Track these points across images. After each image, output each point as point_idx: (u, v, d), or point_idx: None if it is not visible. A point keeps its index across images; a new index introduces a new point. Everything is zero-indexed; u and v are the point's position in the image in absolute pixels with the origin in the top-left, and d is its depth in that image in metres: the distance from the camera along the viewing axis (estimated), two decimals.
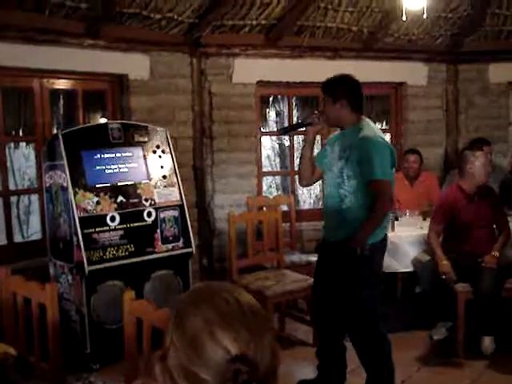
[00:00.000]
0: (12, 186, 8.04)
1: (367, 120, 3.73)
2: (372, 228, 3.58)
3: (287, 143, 9.06)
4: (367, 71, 6.08)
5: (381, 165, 3.51)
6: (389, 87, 6.72)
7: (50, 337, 2.79)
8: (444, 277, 4.46)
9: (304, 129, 3.93)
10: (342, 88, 3.68)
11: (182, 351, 1.18)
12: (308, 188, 10.70)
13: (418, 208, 5.54)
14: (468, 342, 4.54)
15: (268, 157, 10.27)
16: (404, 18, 4.78)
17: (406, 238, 4.98)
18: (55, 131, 5.37)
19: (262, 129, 6.62)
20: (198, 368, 1.15)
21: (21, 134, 5.65)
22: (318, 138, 5.40)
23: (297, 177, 4.81)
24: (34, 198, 6.83)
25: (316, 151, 4.22)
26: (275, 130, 8.66)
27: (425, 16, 4.85)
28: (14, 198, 8.35)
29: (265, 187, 7.16)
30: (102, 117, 5.92)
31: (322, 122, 3.79)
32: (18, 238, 8.14)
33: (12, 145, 6.96)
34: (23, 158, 10.14)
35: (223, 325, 1.16)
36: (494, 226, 4.76)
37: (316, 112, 3.91)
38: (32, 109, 5.15)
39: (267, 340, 1.20)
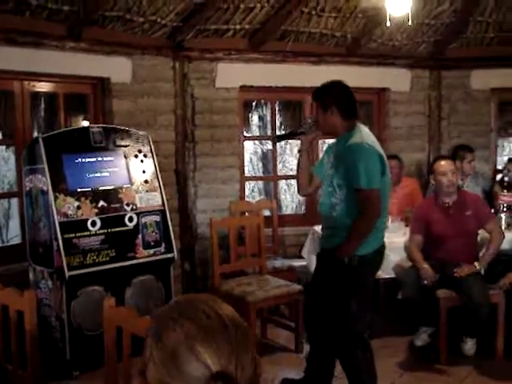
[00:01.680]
0: None
1: (360, 126, 3.64)
2: (357, 239, 3.52)
3: (269, 148, 9.06)
4: (351, 77, 5.99)
5: (365, 172, 3.42)
6: (372, 93, 6.73)
7: (27, 345, 2.74)
8: (426, 282, 4.45)
9: (297, 138, 3.91)
10: (331, 95, 3.62)
11: (162, 366, 1.14)
12: (290, 193, 10.71)
13: (401, 214, 5.53)
14: (450, 348, 4.55)
15: (251, 161, 10.25)
16: (388, 24, 4.79)
17: (389, 245, 4.94)
18: (36, 134, 5.32)
19: (245, 133, 6.59)
20: (177, 383, 1.12)
21: (0, 137, 5.58)
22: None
23: (281, 181, 4.79)
24: (14, 201, 6.76)
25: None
26: (258, 134, 8.64)
27: (409, 22, 4.85)
28: None
29: (247, 192, 7.13)
30: (83, 120, 5.87)
31: (314, 130, 3.76)
32: None
33: None
34: (3, 162, 10.03)
35: (203, 340, 1.13)
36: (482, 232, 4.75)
37: (309, 121, 3.84)
38: (12, 112, 5.08)
39: (249, 355, 1.17)
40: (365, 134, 3.61)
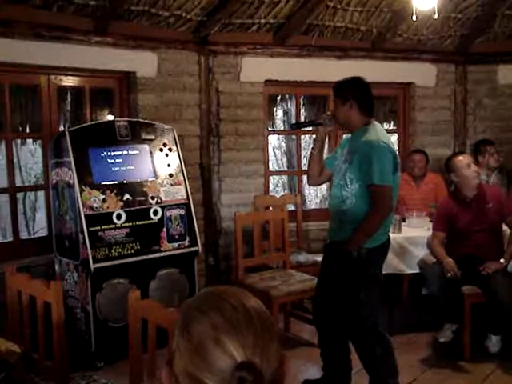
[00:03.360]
0: (18, 183, 8.06)
1: (375, 123, 3.71)
2: (366, 233, 3.58)
3: (294, 142, 9.05)
4: (376, 71, 6.07)
5: (379, 169, 3.49)
6: (397, 88, 6.69)
7: (54, 335, 2.78)
8: (449, 275, 4.43)
9: (314, 128, 3.95)
10: (351, 90, 3.69)
11: (188, 357, 1.16)
12: (315, 188, 10.69)
13: (425, 209, 5.51)
14: (474, 345, 4.52)
15: (275, 156, 10.24)
16: (414, 18, 4.75)
17: (413, 240, 4.96)
18: (62, 128, 5.37)
19: (269, 128, 6.60)
20: (203, 374, 1.13)
21: (28, 130, 5.64)
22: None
23: (305, 176, 4.82)
24: (40, 194, 6.84)
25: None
26: (282, 129, 8.63)
27: (436, 16, 4.81)
28: (20, 195, 8.36)
29: (271, 186, 7.13)
30: (109, 114, 5.91)
31: (332, 123, 3.80)
32: (24, 235, 8.15)
33: (19, 141, 6.94)
34: (30, 155, 10.14)
35: (230, 331, 1.14)
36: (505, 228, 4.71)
37: (328, 113, 3.90)
38: (39, 106, 5.14)
39: (274, 347, 1.18)
40: (380, 131, 3.68)
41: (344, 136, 5.13)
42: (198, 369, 1.13)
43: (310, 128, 3.99)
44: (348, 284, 3.63)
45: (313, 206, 10.14)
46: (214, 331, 1.14)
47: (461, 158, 4.70)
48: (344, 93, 3.69)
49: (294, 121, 6.51)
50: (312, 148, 4.00)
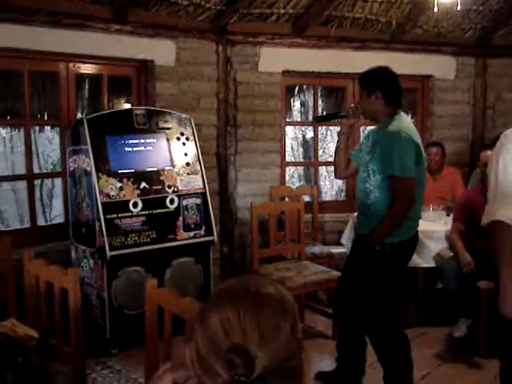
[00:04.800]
0: (36, 170, 8.09)
1: (401, 114, 3.63)
2: (388, 227, 3.52)
3: (311, 133, 9.02)
4: (394, 63, 5.88)
5: (400, 160, 3.42)
6: (416, 80, 6.63)
7: (71, 321, 2.80)
8: (464, 270, 4.40)
9: (338, 120, 3.92)
10: (377, 81, 3.62)
11: (201, 343, 1.20)
12: (330, 180, 10.66)
13: (442, 203, 5.47)
14: (489, 340, 4.49)
15: (291, 147, 10.22)
16: (435, 10, 4.70)
17: (430, 234, 4.92)
18: (80, 116, 5.39)
19: (286, 118, 6.58)
20: (214, 362, 1.17)
21: (46, 117, 5.67)
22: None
23: (321, 167, 4.78)
24: (57, 181, 6.86)
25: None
26: (299, 120, 8.61)
27: (458, 8, 4.76)
28: (37, 182, 8.40)
29: (287, 177, 7.12)
30: (126, 102, 5.92)
31: (357, 115, 3.76)
32: (40, 221, 8.19)
33: (37, 128, 6.97)
34: (47, 142, 10.19)
35: (235, 316, 1.17)
36: None
37: (352, 105, 3.86)
38: (57, 93, 5.16)
39: (281, 339, 1.18)
40: (404, 122, 3.60)
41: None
42: (206, 352, 1.19)
43: (334, 121, 3.92)
44: (369, 278, 3.60)
45: (328, 198, 10.10)
46: (223, 318, 1.18)
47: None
48: (370, 84, 3.63)
49: (315, 114, 6.45)
50: (337, 141, 3.95)
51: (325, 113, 6.93)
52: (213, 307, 1.21)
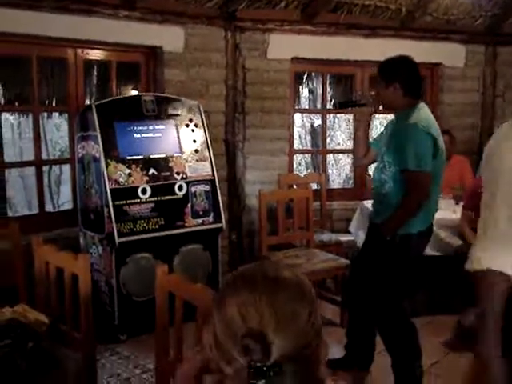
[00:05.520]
0: (44, 156, 8.09)
1: (421, 106, 3.55)
2: (399, 219, 3.50)
3: (318, 121, 8.99)
4: (404, 51, 5.81)
5: (414, 154, 3.36)
6: (425, 68, 6.58)
7: (81, 307, 2.80)
8: None
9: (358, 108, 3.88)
10: (396, 71, 3.54)
11: (220, 330, 1.20)
12: (338, 167, 10.66)
13: (451, 191, 5.45)
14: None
15: (299, 135, 10.19)
16: None
17: (438, 222, 4.87)
18: (88, 102, 5.37)
19: (294, 106, 6.55)
20: (227, 342, 1.18)
21: (54, 103, 5.66)
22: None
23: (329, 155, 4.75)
24: (65, 168, 6.87)
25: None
26: (307, 107, 8.57)
27: None
28: (45, 168, 8.40)
29: (294, 165, 7.11)
30: (133, 89, 5.90)
31: (377, 104, 3.74)
32: (48, 208, 8.21)
33: (45, 115, 6.97)
34: (55, 129, 10.18)
35: (251, 301, 1.17)
36: None
37: (372, 93, 3.82)
38: (66, 79, 5.14)
39: (298, 324, 1.18)
40: (423, 114, 3.52)
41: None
42: (224, 337, 1.18)
43: (354, 108, 3.89)
44: (380, 267, 3.60)
45: (335, 186, 10.09)
46: (240, 303, 1.17)
47: None
48: (388, 74, 3.55)
49: (319, 101, 6.44)
50: (356, 129, 3.93)
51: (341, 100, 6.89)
52: (230, 292, 1.21)
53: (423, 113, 3.53)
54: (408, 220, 3.48)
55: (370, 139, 3.97)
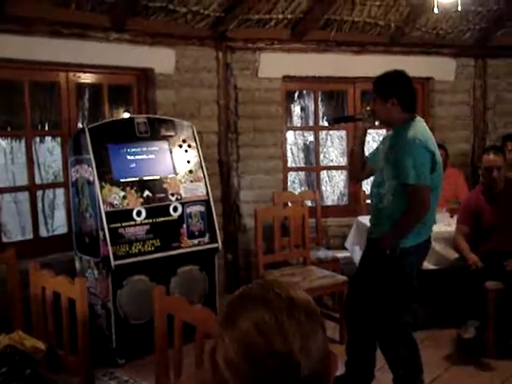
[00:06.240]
0: (37, 181, 8.06)
1: (417, 120, 3.58)
2: (400, 233, 3.51)
3: (311, 139, 9.01)
4: (394, 66, 5.85)
5: (414, 168, 3.38)
6: (416, 82, 6.56)
7: (79, 331, 2.78)
8: (472, 267, 4.39)
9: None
10: (393, 86, 3.57)
11: (231, 346, 1.16)
12: (332, 184, 10.66)
13: (445, 204, 5.45)
14: (498, 341, 4.46)
15: (291, 152, 10.22)
16: (436, 11, 4.70)
17: (434, 235, 4.87)
18: (80, 125, 5.37)
19: (287, 124, 6.57)
20: (245, 363, 1.14)
21: (46, 128, 5.66)
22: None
23: (323, 172, 4.75)
24: (59, 192, 6.84)
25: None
26: (300, 125, 8.60)
27: (459, 8, 4.75)
28: (39, 193, 8.36)
29: (288, 183, 7.11)
30: (125, 111, 5.91)
31: (372, 119, 3.74)
32: (43, 232, 8.17)
33: (38, 139, 6.96)
34: (48, 152, 10.17)
35: (272, 322, 1.14)
36: None
37: (368, 109, 3.83)
38: (58, 103, 5.15)
39: (317, 340, 1.17)
40: (420, 128, 3.55)
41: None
42: (240, 358, 1.14)
43: (349, 123, 3.92)
44: (380, 282, 3.59)
45: (329, 203, 10.10)
46: (258, 322, 1.14)
47: (490, 157, 4.64)
48: (385, 89, 3.56)
49: (312, 118, 6.47)
50: (353, 144, 3.95)
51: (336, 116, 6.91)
52: (243, 311, 1.17)
53: (420, 127, 3.56)
54: (408, 233, 3.49)
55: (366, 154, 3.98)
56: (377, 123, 3.96)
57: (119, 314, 4.44)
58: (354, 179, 4.36)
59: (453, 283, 4.63)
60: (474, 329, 4.51)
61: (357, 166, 3.88)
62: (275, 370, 1.10)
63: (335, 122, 4.45)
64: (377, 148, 3.92)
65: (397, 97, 3.51)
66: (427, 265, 4.84)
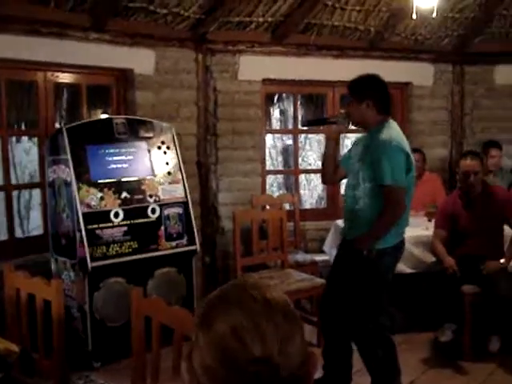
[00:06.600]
0: (13, 181, 7.98)
1: (390, 122, 3.63)
2: (376, 234, 3.54)
3: (290, 142, 9.02)
4: (373, 71, 5.90)
5: (390, 169, 3.43)
6: (395, 87, 6.64)
7: (54, 334, 2.74)
8: (449, 271, 4.42)
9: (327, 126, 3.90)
10: (368, 88, 3.62)
11: (207, 351, 1.13)
12: (310, 188, 10.68)
13: (423, 208, 5.49)
14: (474, 344, 4.50)
15: (270, 155, 10.22)
16: (414, 17, 4.73)
17: (412, 239, 4.92)
18: (58, 126, 5.32)
19: (266, 127, 6.56)
20: (221, 368, 1.11)
21: (23, 127, 5.59)
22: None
23: (302, 175, 4.75)
24: (35, 192, 6.77)
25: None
26: (278, 128, 8.61)
27: (434, 15, 4.79)
28: (14, 193, 8.28)
29: (267, 186, 7.11)
30: (104, 112, 5.86)
31: (346, 122, 3.76)
32: (18, 233, 8.07)
33: (14, 139, 6.88)
34: (24, 153, 10.06)
35: (249, 325, 1.11)
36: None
37: (342, 111, 3.87)
38: (35, 102, 5.08)
39: (296, 342, 1.14)
40: (394, 130, 3.60)
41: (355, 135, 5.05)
42: (216, 363, 1.11)
43: (323, 126, 3.92)
44: (355, 283, 3.60)
45: (308, 206, 10.11)
46: (234, 326, 1.11)
47: (467, 162, 4.67)
48: (361, 91, 3.61)
49: (291, 121, 6.48)
50: (325, 147, 3.95)
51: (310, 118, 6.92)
52: (219, 314, 1.14)
53: (394, 129, 3.62)
54: (385, 234, 3.52)
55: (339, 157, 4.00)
56: (351, 127, 4.00)
57: (95, 316, 4.40)
58: (326, 182, 4.37)
59: (430, 287, 4.64)
60: (451, 332, 4.55)
61: (329, 168, 3.90)
62: (254, 375, 1.08)
63: (309, 125, 4.48)
64: (349, 151, 3.95)
65: (372, 98, 3.56)
66: (405, 268, 4.88)
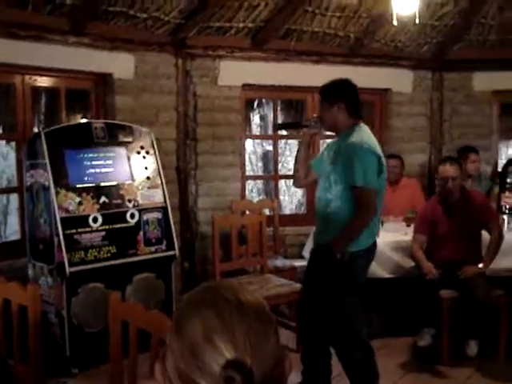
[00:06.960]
0: None
1: (362, 125, 3.67)
2: (349, 236, 3.56)
3: (270, 147, 9.02)
4: (353, 76, 5.91)
5: (362, 171, 3.46)
6: (374, 93, 6.69)
7: (30, 339, 2.70)
8: (428, 277, 4.44)
9: (299, 130, 3.94)
10: (341, 92, 3.66)
11: (179, 355, 1.12)
12: (290, 193, 10.68)
13: (401, 214, 5.52)
14: (452, 349, 4.52)
15: (250, 161, 10.22)
16: (395, 23, 4.76)
17: (391, 244, 4.95)
18: (36, 129, 5.28)
19: (246, 132, 6.56)
20: (194, 373, 1.10)
21: (0, 131, 5.54)
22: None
23: (281, 181, 4.77)
24: (12, 197, 6.69)
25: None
26: (258, 133, 8.61)
27: (417, 21, 4.83)
28: None
29: (247, 191, 7.10)
30: (82, 117, 5.82)
31: (318, 126, 3.79)
32: None
33: None
34: (1, 157, 9.95)
35: (221, 328, 1.10)
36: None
37: (314, 115, 3.90)
38: (13, 106, 5.04)
39: (270, 345, 1.13)
40: (365, 133, 3.65)
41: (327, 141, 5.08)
42: (189, 367, 1.10)
43: (295, 130, 3.96)
44: (331, 288, 3.60)
45: (287, 212, 10.11)
46: (206, 329, 1.10)
47: (446, 167, 4.71)
48: (332, 95, 3.65)
49: (270, 127, 6.49)
50: (297, 150, 3.98)
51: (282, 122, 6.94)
52: (191, 318, 1.13)
53: (365, 132, 3.66)
54: (357, 236, 3.54)
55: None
56: (324, 132, 4.03)
57: (73, 322, 4.36)
58: (298, 185, 4.40)
59: (408, 292, 4.66)
60: (430, 336, 4.57)
61: (301, 172, 3.92)
62: (227, 379, 1.07)
63: (281, 128, 4.50)
64: (321, 154, 3.99)
65: (343, 102, 3.60)
66: (383, 273, 4.90)
